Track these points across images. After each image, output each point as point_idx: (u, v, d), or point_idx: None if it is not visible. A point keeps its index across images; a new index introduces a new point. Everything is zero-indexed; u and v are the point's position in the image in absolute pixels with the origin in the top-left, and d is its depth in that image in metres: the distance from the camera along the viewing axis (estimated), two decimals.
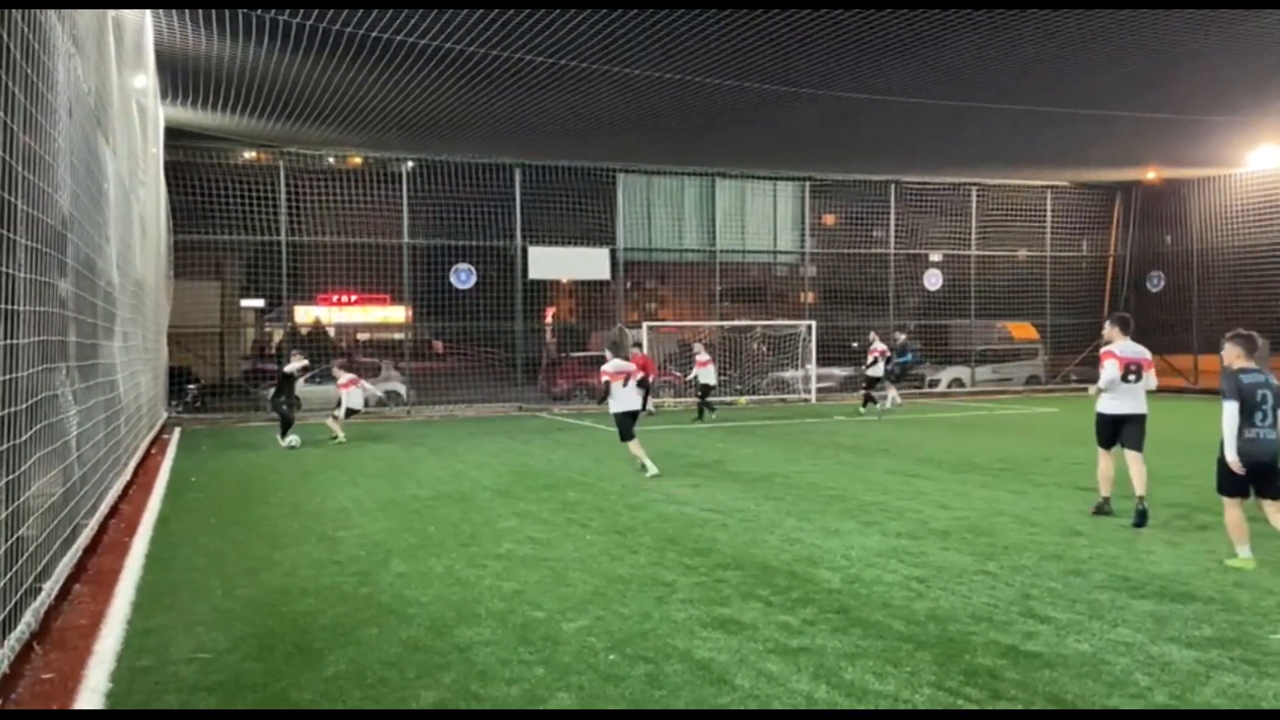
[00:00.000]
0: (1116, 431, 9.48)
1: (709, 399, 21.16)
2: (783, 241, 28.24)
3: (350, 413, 17.84)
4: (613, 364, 12.61)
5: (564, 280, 29.31)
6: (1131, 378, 9.34)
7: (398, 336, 26.58)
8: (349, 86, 16.39)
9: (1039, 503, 10.29)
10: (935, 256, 29.67)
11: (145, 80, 14.33)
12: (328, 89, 16.54)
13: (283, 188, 22.74)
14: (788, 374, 27.23)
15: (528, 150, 23.44)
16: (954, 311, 29.55)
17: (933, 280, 29.32)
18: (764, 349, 27.67)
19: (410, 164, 23.91)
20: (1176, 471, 12.39)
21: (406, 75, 15.59)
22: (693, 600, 6.54)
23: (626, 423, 12.59)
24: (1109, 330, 9.65)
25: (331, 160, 23.87)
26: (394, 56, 14.50)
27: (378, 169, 24.02)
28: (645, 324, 25.61)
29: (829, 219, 30.06)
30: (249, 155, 23.38)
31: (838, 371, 28.21)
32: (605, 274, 26.14)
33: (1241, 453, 7.21)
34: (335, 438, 17.14)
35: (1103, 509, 9.52)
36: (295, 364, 16.82)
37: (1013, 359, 30.78)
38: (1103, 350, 9.53)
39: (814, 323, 26.52)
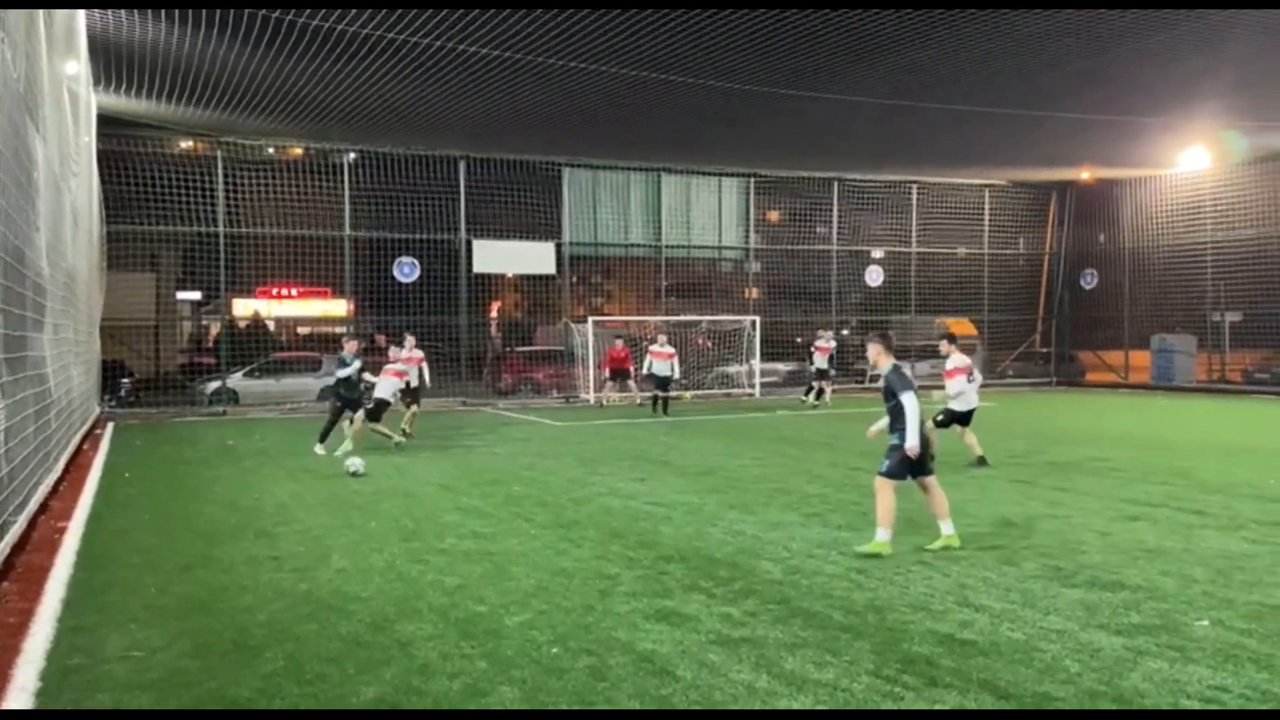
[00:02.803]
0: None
1: (666, 393, 21.09)
2: (728, 237, 28.37)
3: (381, 405, 14.90)
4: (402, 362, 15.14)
5: (509, 274, 29.14)
6: (971, 380, 12.78)
7: (339, 330, 26.21)
8: (290, 76, 16.10)
9: (974, 494, 10.49)
10: (877, 253, 30.05)
11: (77, 66, 13.94)
12: (267, 78, 16.23)
13: (220, 178, 22.27)
14: (732, 369, 27.39)
15: (473, 143, 23.25)
16: (895, 308, 29.95)
17: (874, 276, 29.70)
18: (708, 344, 27.80)
19: (353, 155, 23.57)
20: (1106, 464, 12.74)
21: (349, 65, 15.36)
22: (636, 593, 6.57)
23: (385, 406, 14.91)
24: (948, 347, 12.93)
25: (271, 151, 23.43)
26: (336, 46, 14.28)
27: (319, 160, 23.61)
28: (590, 319, 25.57)
29: (773, 215, 30.28)
30: (185, 145, 22.87)
31: (781, 366, 28.46)
32: (551, 268, 26.05)
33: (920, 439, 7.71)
34: (394, 437, 14.85)
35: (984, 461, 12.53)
36: (350, 353, 14.36)
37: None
38: (955, 367, 12.73)
39: (758, 318, 26.70)
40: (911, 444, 7.56)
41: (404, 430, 15.74)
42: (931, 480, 7.85)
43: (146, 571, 7.32)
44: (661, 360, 21.14)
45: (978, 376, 13.13)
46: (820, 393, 22.97)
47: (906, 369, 8.08)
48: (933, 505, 7.88)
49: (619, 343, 24.01)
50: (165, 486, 11.62)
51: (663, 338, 21.81)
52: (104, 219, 21.02)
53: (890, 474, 7.73)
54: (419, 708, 4.61)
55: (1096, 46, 14.94)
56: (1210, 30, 14.17)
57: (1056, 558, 7.53)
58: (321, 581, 6.97)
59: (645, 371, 21.73)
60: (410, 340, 16.80)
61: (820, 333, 23.74)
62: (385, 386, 14.97)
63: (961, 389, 12.69)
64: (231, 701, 4.70)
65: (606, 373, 24.10)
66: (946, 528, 7.80)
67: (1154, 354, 28.55)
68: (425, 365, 17.06)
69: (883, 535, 7.68)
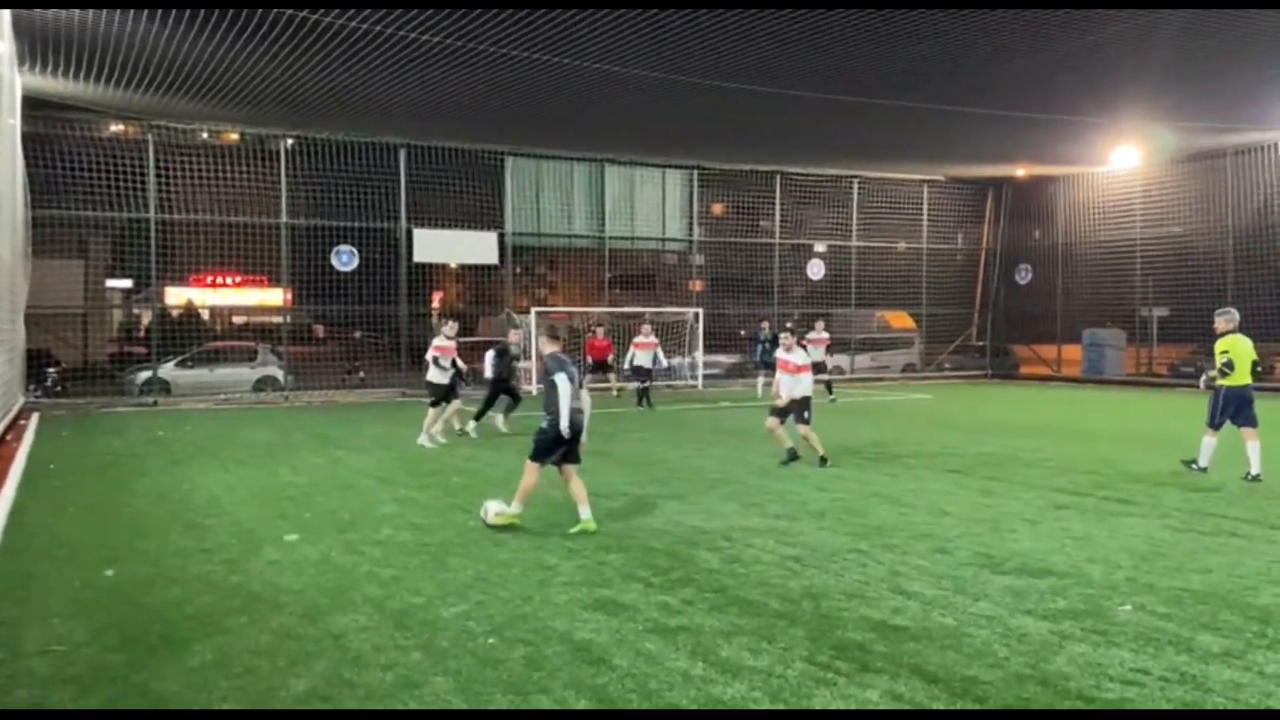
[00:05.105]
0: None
1: (646, 383, 20.92)
2: (671, 229, 28.39)
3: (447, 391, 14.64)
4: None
5: (452, 264, 28.84)
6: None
7: (275, 320, 25.73)
8: (224, 58, 15.71)
9: (911, 484, 10.66)
10: (819, 247, 30.33)
11: (2, 46, 13.48)
12: (200, 60, 15.82)
13: (151, 162, 21.65)
14: (675, 361, 27.45)
15: (413, 130, 22.94)
16: (835, 301, 30.26)
17: (815, 270, 29.95)
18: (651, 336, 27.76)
19: (290, 141, 23.11)
20: (1038, 455, 13.03)
21: (286, 48, 15.04)
22: (574, 583, 6.56)
23: (442, 390, 14.52)
24: (789, 340, 12.42)
25: (205, 135, 22.89)
26: (272, 28, 13.97)
27: (255, 145, 23.11)
28: (534, 309, 25.42)
29: (717, 208, 30.38)
30: (115, 128, 22.23)
31: (724, 359, 28.61)
32: (493, 258, 25.81)
33: (572, 423, 8.06)
34: (462, 430, 15.05)
35: (795, 456, 12.07)
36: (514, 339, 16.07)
37: (890, 347, 31.75)
38: (802, 364, 12.18)
39: (701, 310, 26.79)
40: (564, 425, 7.97)
41: (459, 429, 15.33)
42: (572, 469, 8.25)
43: (70, 564, 7.12)
44: (644, 351, 20.96)
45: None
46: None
47: (565, 358, 8.33)
48: (572, 492, 8.27)
49: (599, 331, 23.52)
50: (92, 478, 11.31)
51: (647, 327, 21.61)
52: (29, 204, 20.37)
53: (536, 456, 8.16)
54: (350, 699, 4.56)
55: (1032, 45, 15.21)
56: (1140, 31, 14.51)
57: (988, 546, 7.68)
58: (253, 573, 6.84)
59: (629, 365, 21.46)
60: (450, 326, 15.20)
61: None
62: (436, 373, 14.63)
63: (808, 387, 12.24)
64: (157, 696, 4.60)
65: (589, 362, 23.75)
66: (584, 513, 8.15)
67: (1085, 348, 29.24)
68: (457, 356, 15.15)
69: (515, 508, 8.20)
